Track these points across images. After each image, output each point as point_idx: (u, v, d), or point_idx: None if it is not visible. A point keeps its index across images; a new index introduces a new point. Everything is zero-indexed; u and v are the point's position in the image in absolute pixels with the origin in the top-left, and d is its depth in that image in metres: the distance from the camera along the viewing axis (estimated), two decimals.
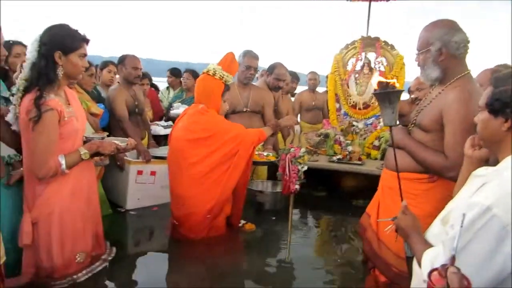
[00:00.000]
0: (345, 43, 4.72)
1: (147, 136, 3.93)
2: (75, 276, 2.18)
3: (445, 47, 1.90)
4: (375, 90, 1.70)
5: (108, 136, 2.54)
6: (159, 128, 4.27)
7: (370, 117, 4.61)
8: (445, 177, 1.90)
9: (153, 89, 5.14)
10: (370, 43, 4.59)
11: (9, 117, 2.08)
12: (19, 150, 2.18)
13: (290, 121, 3.34)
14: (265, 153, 3.46)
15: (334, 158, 4.09)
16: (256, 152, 3.12)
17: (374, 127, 4.50)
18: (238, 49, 3.78)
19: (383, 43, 4.56)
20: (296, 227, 3.33)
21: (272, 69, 4.00)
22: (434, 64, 1.95)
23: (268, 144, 3.75)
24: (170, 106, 4.81)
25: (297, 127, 5.33)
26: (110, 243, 2.59)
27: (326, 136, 4.44)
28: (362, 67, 4.63)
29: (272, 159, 3.36)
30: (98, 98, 3.60)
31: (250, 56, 3.66)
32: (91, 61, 3.29)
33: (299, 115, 5.70)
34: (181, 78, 5.07)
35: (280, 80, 3.99)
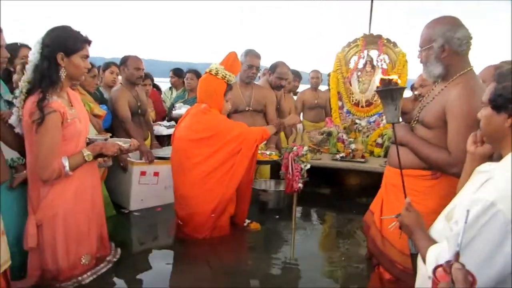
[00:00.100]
0: (347, 41, 4.72)
1: (150, 136, 3.93)
2: (80, 278, 2.18)
3: (447, 43, 1.90)
4: (377, 87, 1.70)
5: (111, 137, 2.54)
6: (161, 129, 4.28)
7: (372, 114, 4.60)
8: (448, 173, 1.90)
9: (155, 89, 5.15)
10: (372, 40, 4.58)
11: (12, 120, 2.08)
12: (22, 153, 2.19)
13: (294, 119, 3.34)
14: (268, 152, 3.46)
15: (337, 156, 4.09)
16: (259, 151, 3.12)
17: (377, 125, 4.50)
18: (240, 49, 3.79)
19: (385, 41, 4.54)
20: (300, 225, 3.33)
21: (274, 68, 4.00)
22: (436, 61, 1.94)
23: (270, 143, 3.75)
24: (172, 106, 4.81)
25: (299, 126, 5.33)
26: (114, 244, 2.60)
27: (329, 134, 4.44)
28: (365, 65, 4.63)
29: (275, 158, 3.36)
30: (100, 99, 3.61)
31: (252, 55, 3.65)
32: (93, 62, 3.29)
33: (301, 114, 5.70)
34: (184, 79, 5.08)
35: (282, 79, 3.99)
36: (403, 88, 1.69)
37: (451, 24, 1.92)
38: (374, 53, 4.61)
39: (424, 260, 1.28)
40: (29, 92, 2.03)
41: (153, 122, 4.37)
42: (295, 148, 2.90)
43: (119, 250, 2.57)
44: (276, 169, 3.55)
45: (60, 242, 2.11)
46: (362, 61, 4.64)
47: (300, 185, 2.80)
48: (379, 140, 4.39)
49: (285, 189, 2.93)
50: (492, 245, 1.05)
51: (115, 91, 3.68)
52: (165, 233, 3.20)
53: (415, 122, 2.08)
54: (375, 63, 4.59)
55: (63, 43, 2.05)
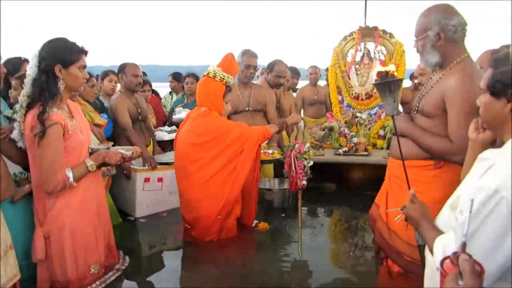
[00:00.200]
0: (343, 35, 4.71)
1: (152, 142, 3.93)
2: (89, 287, 2.20)
3: (442, 31, 1.89)
4: (375, 80, 1.69)
5: (113, 145, 2.55)
6: (163, 134, 4.27)
7: (373, 107, 4.59)
8: (451, 162, 1.89)
9: (154, 95, 5.15)
10: (368, 33, 4.57)
11: (14, 134, 2.09)
12: (25, 167, 2.20)
13: (296, 118, 3.34)
14: (270, 151, 3.45)
15: (340, 150, 4.09)
16: (261, 151, 3.12)
17: (378, 117, 4.49)
18: (238, 49, 3.78)
19: (381, 32, 4.53)
20: (307, 222, 3.32)
21: (272, 66, 4.00)
22: (433, 49, 1.94)
23: (272, 141, 3.75)
24: (172, 111, 4.82)
25: (300, 123, 5.32)
26: (123, 252, 2.61)
27: (331, 129, 4.43)
28: (362, 57, 4.61)
29: (278, 156, 3.35)
30: (101, 108, 3.62)
31: (249, 55, 3.65)
32: (91, 71, 3.30)
33: (302, 110, 5.69)
34: (184, 83, 5.08)
35: (280, 77, 3.99)
36: (400, 80, 1.68)
37: (445, 11, 1.91)
38: (371, 45, 4.59)
39: (431, 252, 1.28)
40: (29, 106, 2.04)
41: (154, 127, 4.37)
42: (297, 145, 2.90)
43: (127, 258, 2.59)
44: (279, 167, 3.55)
45: (68, 253, 2.12)
46: (359, 54, 4.62)
47: (304, 182, 2.80)
48: (381, 132, 4.38)
49: (290, 187, 2.93)
50: (499, 232, 1.04)
51: (114, 99, 3.69)
52: (172, 237, 3.20)
53: (415, 112, 2.08)
54: (372, 55, 4.58)
55: (60, 55, 2.06)
